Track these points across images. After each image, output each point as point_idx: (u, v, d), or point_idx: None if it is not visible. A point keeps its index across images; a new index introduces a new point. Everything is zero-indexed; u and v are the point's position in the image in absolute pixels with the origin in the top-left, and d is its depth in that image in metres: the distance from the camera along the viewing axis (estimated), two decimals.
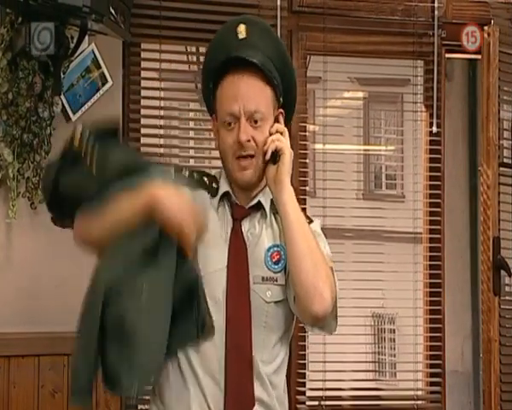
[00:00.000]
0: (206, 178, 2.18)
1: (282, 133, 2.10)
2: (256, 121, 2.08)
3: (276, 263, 2.12)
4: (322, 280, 2.01)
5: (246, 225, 2.14)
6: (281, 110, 2.15)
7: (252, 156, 2.09)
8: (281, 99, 2.14)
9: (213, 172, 2.23)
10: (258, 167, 2.10)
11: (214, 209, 2.14)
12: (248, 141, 2.07)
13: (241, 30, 2.09)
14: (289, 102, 2.19)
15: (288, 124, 2.18)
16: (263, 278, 2.10)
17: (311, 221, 2.19)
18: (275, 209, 2.14)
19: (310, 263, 2.02)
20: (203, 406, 2.06)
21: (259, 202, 2.15)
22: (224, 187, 2.15)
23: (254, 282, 2.09)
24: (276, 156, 2.08)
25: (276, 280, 2.11)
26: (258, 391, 2.09)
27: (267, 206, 2.16)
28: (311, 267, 2.01)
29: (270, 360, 2.12)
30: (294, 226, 2.05)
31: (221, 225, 2.13)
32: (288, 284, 2.10)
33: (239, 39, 2.09)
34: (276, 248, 2.13)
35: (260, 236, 2.13)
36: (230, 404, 2.05)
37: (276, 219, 2.16)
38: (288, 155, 2.08)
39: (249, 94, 2.07)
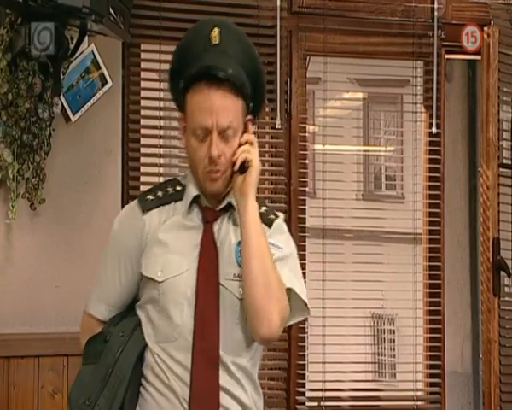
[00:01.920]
0: (170, 189, 2.20)
1: (251, 143, 2.12)
2: (228, 136, 2.10)
3: None
4: (273, 305, 2.04)
5: (215, 226, 2.17)
6: (249, 117, 2.16)
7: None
8: (250, 105, 2.15)
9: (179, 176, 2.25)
10: (227, 178, 2.13)
11: (183, 213, 2.16)
12: (219, 157, 2.09)
13: (215, 35, 2.09)
14: (258, 102, 2.19)
15: (255, 117, 2.20)
16: (234, 275, 2.12)
17: (276, 216, 2.22)
18: None
19: (263, 287, 2.05)
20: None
21: (229, 203, 2.17)
22: (192, 191, 2.16)
23: (226, 278, 2.11)
24: (244, 167, 2.11)
25: None
26: (236, 391, 2.11)
27: (235, 204, 2.18)
28: (264, 292, 2.04)
29: (247, 355, 2.15)
30: (253, 248, 2.08)
31: (190, 230, 2.15)
32: None
33: (212, 45, 2.09)
34: None
35: (229, 233, 2.16)
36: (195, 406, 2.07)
37: None
38: (255, 168, 2.11)
39: (223, 109, 2.07)
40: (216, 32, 2.09)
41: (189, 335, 2.08)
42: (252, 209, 2.10)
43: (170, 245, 2.12)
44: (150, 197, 2.18)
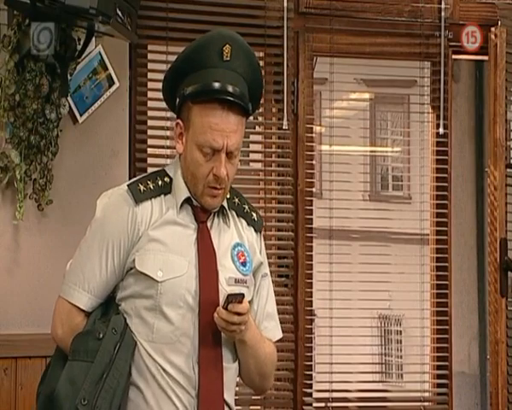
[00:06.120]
0: (159, 181, 2.20)
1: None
2: (233, 156, 2.15)
3: (244, 264, 2.20)
4: (270, 382, 2.34)
5: (208, 224, 2.19)
6: None
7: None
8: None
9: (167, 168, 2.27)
10: (225, 194, 2.19)
11: (175, 211, 2.17)
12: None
13: (227, 52, 2.13)
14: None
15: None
16: (236, 280, 2.17)
17: (257, 213, 2.28)
18: (231, 206, 2.23)
19: (259, 378, 2.27)
20: None
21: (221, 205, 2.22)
22: (184, 192, 2.18)
23: (228, 284, 2.15)
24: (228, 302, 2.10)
25: (246, 282, 2.19)
26: (228, 398, 2.17)
27: (226, 205, 2.22)
28: (262, 381, 2.28)
29: (235, 359, 2.20)
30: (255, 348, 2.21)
31: (184, 228, 2.16)
32: (255, 289, 2.25)
33: (223, 61, 2.13)
34: (240, 248, 2.21)
35: (221, 234, 2.20)
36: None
37: (231, 214, 2.24)
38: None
39: (234, 132, 2.12)
40: (228, 49, 2.12)
41: (188, 340, 2.10)
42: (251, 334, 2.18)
43: (167, 244, 2.13)
44: (142, 188, 2.17)
